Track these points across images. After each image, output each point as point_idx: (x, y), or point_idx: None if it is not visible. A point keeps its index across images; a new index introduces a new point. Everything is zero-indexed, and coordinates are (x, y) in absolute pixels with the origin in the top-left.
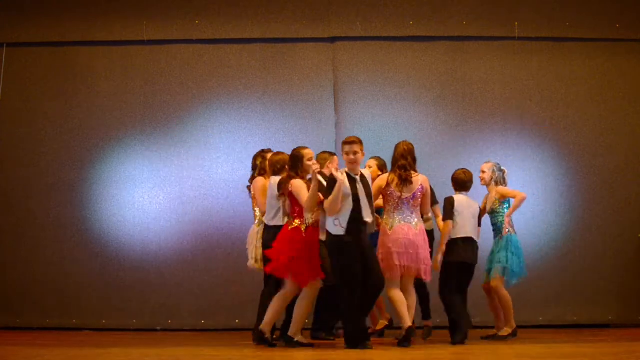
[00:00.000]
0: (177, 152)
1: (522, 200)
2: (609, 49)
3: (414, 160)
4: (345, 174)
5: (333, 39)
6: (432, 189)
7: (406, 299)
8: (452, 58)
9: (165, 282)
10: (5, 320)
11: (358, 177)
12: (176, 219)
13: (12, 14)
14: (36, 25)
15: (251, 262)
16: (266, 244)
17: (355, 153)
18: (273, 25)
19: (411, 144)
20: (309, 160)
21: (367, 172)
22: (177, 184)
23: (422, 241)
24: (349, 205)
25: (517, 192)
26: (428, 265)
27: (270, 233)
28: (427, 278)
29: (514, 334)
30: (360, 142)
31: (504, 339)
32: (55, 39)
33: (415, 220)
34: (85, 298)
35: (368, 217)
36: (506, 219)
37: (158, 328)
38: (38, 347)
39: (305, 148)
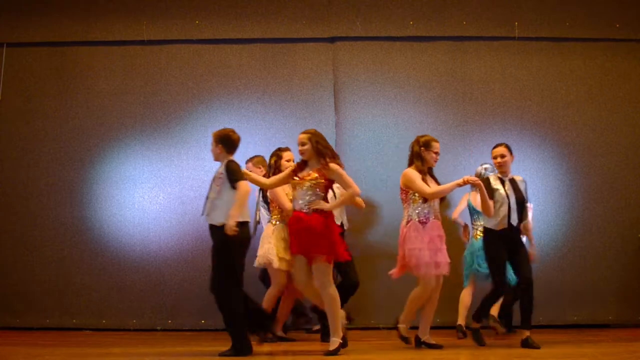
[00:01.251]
0: (177, 152)
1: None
2: (609, 49)
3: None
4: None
5: (333, 39)
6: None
7: None
8: (452, 58)
9: (165, 282)
10: (5, 320)
11: None
12: (176, 219)
13: (12, 14)
14: (36, 25)
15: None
16: None
17: None
18: (273, 25)
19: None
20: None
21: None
22: (177, 184)
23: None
24: None
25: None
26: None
27: None
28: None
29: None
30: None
31: None
32: (55, 39)
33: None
34: (85, 298)
35: None
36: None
37: (158, 328)
38: (38, 347)
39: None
